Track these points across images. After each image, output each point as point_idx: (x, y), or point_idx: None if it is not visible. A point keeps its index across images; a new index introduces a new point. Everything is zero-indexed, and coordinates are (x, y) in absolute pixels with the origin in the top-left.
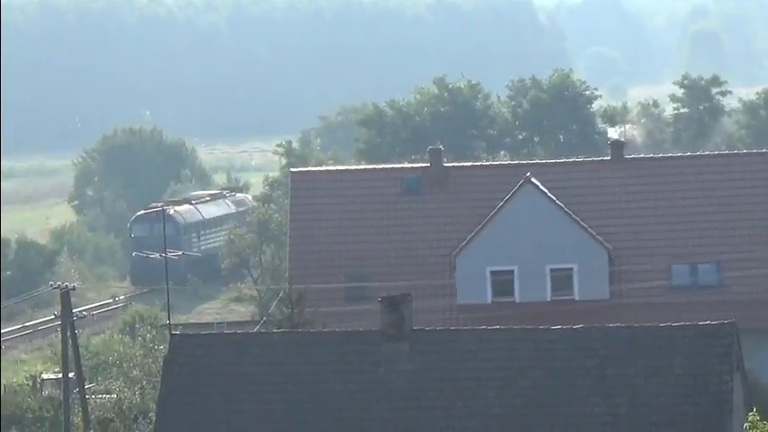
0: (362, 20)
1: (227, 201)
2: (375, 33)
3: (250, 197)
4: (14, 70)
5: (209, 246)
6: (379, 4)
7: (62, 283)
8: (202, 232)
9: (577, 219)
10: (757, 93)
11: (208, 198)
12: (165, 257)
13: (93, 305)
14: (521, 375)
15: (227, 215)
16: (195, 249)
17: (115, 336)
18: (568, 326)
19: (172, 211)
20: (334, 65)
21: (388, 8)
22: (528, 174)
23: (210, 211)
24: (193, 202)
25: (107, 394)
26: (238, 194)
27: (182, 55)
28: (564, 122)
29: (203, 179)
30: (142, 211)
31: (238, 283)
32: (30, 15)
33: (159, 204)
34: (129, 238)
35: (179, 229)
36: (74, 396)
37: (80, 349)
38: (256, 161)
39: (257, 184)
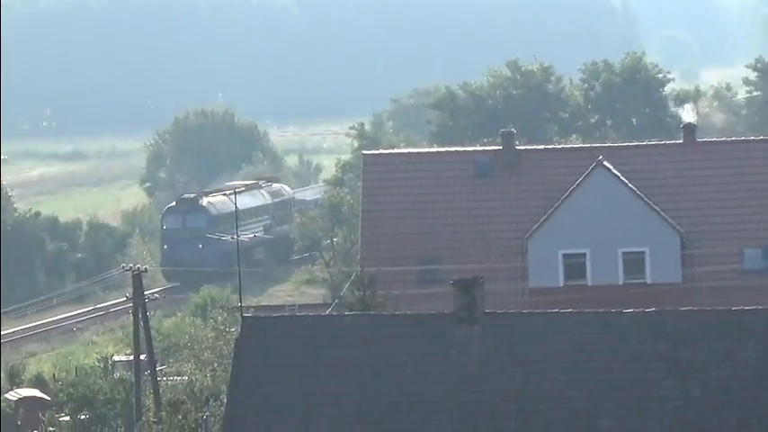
0: (435, 1)
1: (262, 191)
2: (448, 15)
3: (287, 187)
4: (87, 53)
5: (242, 237)
6: None
7: (134, 266)
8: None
9: (650, 202)
10: None
11: (242, 188)
12: (237, 239)
13: (165, 287)
14: (592, 359)
15: (262, 206)
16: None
17: (187, 318)
18: (640, 309)
19: (204, 202)
20: (406, 47)
21: None
22: (600, 157)
23: (245, 201)
24: (227, 192)
25: (178, 376)
26: (275, 185)
27: (254, 37)
28: (636, 106)
29: (275, 161)
30: (173, 203)
31: (310, 266)
32: None
33: (191, 195)
34: (161, 231)
35: (211, 220)
36: (145, 378)
37: (151, 331)
38: (328, 144)
39: (329, 166)
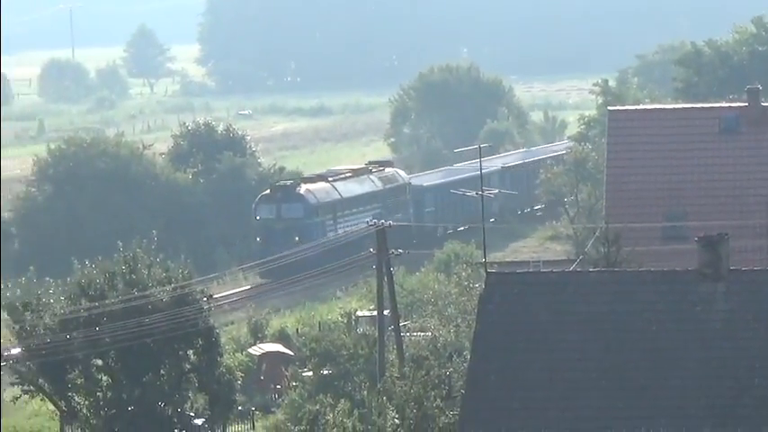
0: None
1: (371, 177)
2: None
3: (402, 172)
4: (334, 9)
5: (347, 229)
6: None
7: (378, 221)
8: (339, 213)
9: None
10: None
11: (349, 174)
12: (482, 195)
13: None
14: None
15: (371, 193)
16: (331, 234)
17: (431, 274)
18: None
19: (302, 190)
20: (653, 3)
21: None
22: None
23: (351, 188)
24: (330, 178)
25: (422, 332)
26: (388, 169)
27: None
28: None
29: (520, 117)
30: (267, 190)
31: (554, 222)
32: None
33: (288, 182)
34: (254, 222)
35: (309, 210)
36: (388, 334)
37: (395, 286)
38: (573, 99)
39: (574, 122)
